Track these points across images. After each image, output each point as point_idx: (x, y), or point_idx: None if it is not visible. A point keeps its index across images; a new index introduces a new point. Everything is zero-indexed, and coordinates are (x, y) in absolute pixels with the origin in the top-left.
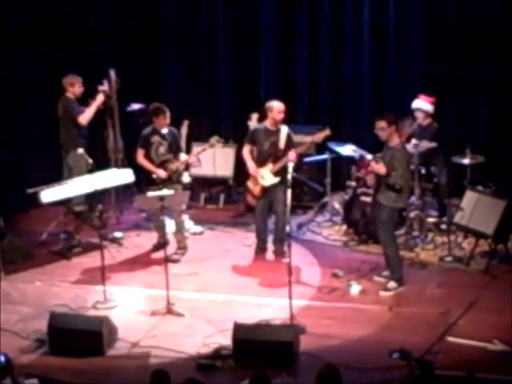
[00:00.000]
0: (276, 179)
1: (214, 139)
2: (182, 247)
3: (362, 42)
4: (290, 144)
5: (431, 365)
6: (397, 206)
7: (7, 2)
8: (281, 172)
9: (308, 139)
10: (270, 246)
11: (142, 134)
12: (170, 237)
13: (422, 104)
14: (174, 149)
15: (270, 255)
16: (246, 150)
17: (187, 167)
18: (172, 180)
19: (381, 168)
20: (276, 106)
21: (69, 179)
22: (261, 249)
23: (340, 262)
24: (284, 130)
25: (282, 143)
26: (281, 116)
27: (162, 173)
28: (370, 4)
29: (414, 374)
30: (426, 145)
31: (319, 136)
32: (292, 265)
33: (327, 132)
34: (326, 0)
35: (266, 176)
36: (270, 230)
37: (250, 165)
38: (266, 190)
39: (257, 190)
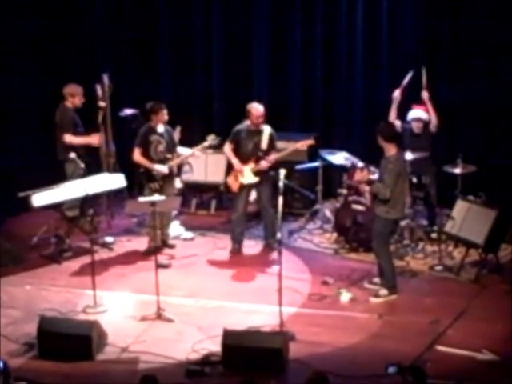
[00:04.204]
0: (255, 179)
1: (210, 137)
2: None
3: (354, 51)
4: (272, 145)
5: (424, 374)
6: (390, 218)
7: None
8: (260, 172)
9: (291, 146)
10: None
11: (139, 132)
12: (173, 241)
13: (421, 113)
14: (171, 146)
15: (260, 260)
16: (229, 148)
17: (179, 170)
18: (172, 175)
19: (363, 176)
20: (254, 112)
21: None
22: (236, 250)
23: (330, 269)
24: (267, 130)
25: (264, 144)
26: (259, 121)
27: (163, 168)
28: (362, 12)
29: None
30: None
31: (302, 143)
32: (282, 272)
33: (311, 141)
34: (319, 9)
35: (246, 174)
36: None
37: (235, 161)
38: (243, 188)
39: (235, 187)
